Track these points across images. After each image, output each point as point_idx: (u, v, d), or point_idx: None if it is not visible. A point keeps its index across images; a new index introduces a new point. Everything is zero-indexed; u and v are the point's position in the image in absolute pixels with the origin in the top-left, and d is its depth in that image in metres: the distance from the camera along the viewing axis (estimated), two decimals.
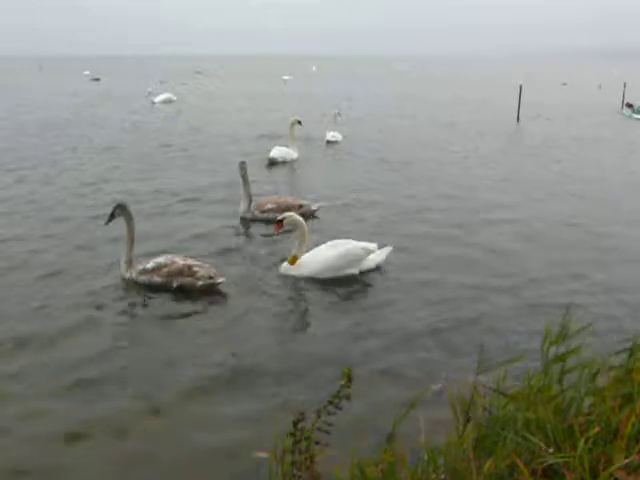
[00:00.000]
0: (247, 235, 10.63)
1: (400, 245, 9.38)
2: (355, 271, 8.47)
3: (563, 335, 3.88)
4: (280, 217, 8.66)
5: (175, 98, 37.83)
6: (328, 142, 21.16)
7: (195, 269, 7.90)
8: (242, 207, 11.32)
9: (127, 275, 8.13)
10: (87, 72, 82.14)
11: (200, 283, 7.88)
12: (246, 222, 11.17)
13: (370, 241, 8.83)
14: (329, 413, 3.70)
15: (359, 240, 8.74)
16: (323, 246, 8.59)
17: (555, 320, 4.09)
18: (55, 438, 4.97)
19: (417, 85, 62.56)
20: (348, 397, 3.81)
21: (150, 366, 6.18)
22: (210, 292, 7.89)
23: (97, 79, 65.08)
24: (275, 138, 20.75)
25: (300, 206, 11.25)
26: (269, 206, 11.11)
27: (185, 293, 7.85)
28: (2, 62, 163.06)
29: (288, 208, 10.61)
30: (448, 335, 6.86)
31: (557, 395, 3.77)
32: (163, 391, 5.69)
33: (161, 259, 8.02)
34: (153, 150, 19.08)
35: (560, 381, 3.87)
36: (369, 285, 8.34)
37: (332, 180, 15.40)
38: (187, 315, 7.34)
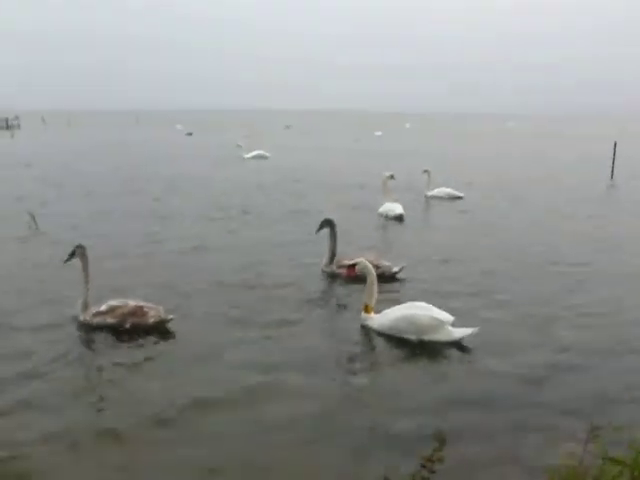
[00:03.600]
0: (324, 287, 11.37)
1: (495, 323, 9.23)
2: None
3: None
4: (353, 262, 9.74)
5: (268, 155, 38.35)
6: (446, 197, 22.21)
7: (145, 310, 8.90)
8: (324, 261, 12.22)
9: (81, 318, 9.01)
10: (179, 126, 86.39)
11: (152, 320, 8.85)
12: (326, 275, 11.99)
13: (460, 315, 8.79)
14: (423, 478, 3.71)
15: (441, 308, 8.68)
16: (406, 304, 8.91)
17: None
18: None
19: (507, 143, 61.74)
20: (442, 461, 3.82)
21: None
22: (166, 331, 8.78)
23: (190, 134, 68.48)
24: (373, 193, 21.25)
25: (378, 267, 11.34)
26: (346, 262, 11.50)
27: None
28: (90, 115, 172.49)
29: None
30: (550, 398, 6.81)
31: None
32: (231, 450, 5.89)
33: (114, 302, 8.98)
34: (272, 209, 19.64)
35: None
36: (456, 344, 8.38)
37: (432, 240, 15.60)
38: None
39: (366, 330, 8.91)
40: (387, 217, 18.29)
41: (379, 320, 8.86)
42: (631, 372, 7.59)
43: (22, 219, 16.44)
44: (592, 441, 3.69)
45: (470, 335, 8.32)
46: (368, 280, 9.16)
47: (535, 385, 7.20)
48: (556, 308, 10.17)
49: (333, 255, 12.09)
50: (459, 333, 8.42)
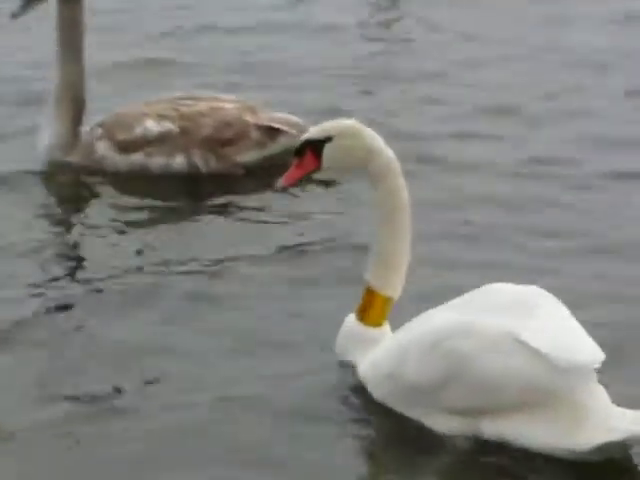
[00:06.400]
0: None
1: None
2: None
3: None
4: (307, 136, 3.13)
5: None
6: None
7: None
8: (49, 132, 4.95)
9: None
10: None
11: None
12: (61, 175, 5.04)
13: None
14: None
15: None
16: (459, 300, 2.94)
17: None
18: None
19: None
20: None
21: None
22: None
23: None
24: None
25: (270, 128, 4.97)
26: (137, 133, 4.88)
27: None
28: None
29: (216, 137, 4.83)
30: None
31: None
32: None
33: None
34: None
35: None
36: None
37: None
38: None
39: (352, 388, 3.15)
40: None
41: (381, 356, 3.05)
42: None
43: None
44: None
45: None
46: (381, 188, 3.03)
47: None
48: None
49: (78, 110, 4.94)
50: (630, 421, 2.50)
